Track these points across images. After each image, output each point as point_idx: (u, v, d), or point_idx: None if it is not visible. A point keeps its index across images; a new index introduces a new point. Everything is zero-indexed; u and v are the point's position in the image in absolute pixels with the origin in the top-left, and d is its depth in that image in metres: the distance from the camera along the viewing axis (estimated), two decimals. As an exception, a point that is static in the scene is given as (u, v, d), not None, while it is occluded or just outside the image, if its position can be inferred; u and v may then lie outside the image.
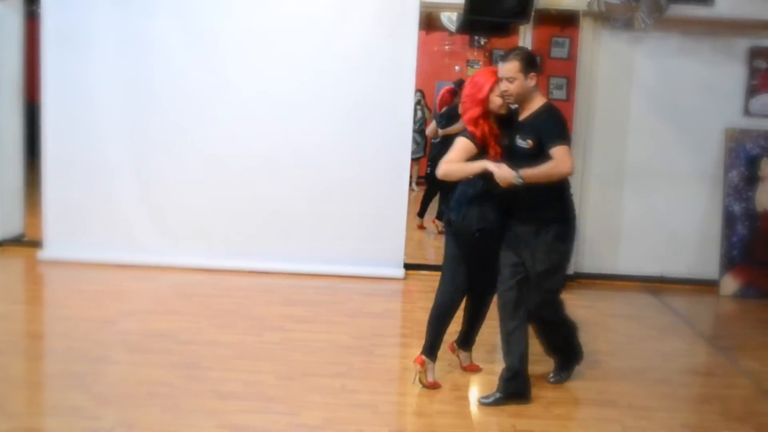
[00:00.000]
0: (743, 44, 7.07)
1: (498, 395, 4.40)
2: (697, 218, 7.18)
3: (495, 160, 4.22)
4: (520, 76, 4.18)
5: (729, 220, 7.08)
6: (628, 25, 6.74)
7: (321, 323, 5.66)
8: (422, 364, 4.51)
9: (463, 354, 4.86)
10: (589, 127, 7.03)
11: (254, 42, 6.83)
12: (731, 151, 7.08)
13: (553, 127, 4.21)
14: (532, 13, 6.64)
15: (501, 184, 4.12)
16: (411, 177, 12.29)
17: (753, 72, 7.09)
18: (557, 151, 4.10)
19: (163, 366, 4.68)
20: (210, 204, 6.90)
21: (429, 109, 12.64)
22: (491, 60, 13.62)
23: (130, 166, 6.94)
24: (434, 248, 8.79)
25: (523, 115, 4.29)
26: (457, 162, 4.29)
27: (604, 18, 6.84)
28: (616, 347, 5.47)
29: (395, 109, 6.83)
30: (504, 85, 4.21)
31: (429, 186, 9.51)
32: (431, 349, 4.55)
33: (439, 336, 4.57)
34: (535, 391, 4.56)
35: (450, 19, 9.37)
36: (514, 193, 4.18)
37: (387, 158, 6.84)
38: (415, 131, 12.15)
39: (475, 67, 13.70)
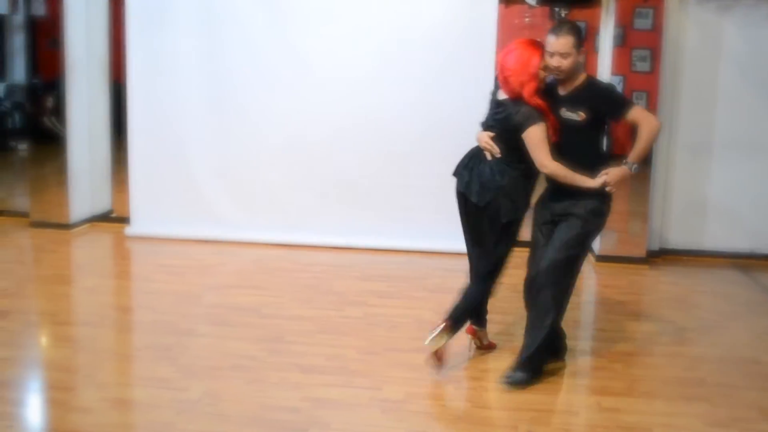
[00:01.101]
0: (837, 9, 6.75)
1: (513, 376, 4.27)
2: (789, 191, 6.93)
3: (554, 133, 4.14)
4: (574, 51, 4.06)
5: (822, 193, 6.81)
6: (716, -7, 6.52)
7: (402, 298, 5.67)
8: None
9: (481, 332, 4.68)
10: (676, 99, 6.83)
11: (331, 15, 6.83)
12: (825, 122, 6.80)
13: (614, 93, 4.28)
14: (615, -17, 6.48)
15: (617, 185, 4.14)
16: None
17: None
18: (636, 113, 4.12)
19: (246, 339, 4.76)
20: (289, 179, 6.96)
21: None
22: (572, 32, 13.37)
23: (211, 142, 7.05)
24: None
25: (567, 89, 4.18)
26: (559, 165, 4.12)
27: (691, -14, 6.63)
28: (703, 324, 5.32)
29: (475, 83, 6.73)
30: (557, 61, 4.07)
31: None
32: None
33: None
34: (618, 368, 4.50)
35: (530, -9, 9.19)
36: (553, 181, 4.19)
37: (467, 134, 6.74)
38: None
39: (556, 40, 13.44)
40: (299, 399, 4.00)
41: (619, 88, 6.74)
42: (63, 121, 7.32)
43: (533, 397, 4.12)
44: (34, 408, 4.06)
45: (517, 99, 4.16)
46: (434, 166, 6.79)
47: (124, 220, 7.37)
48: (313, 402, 3.98)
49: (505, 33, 7.08)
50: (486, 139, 4.29)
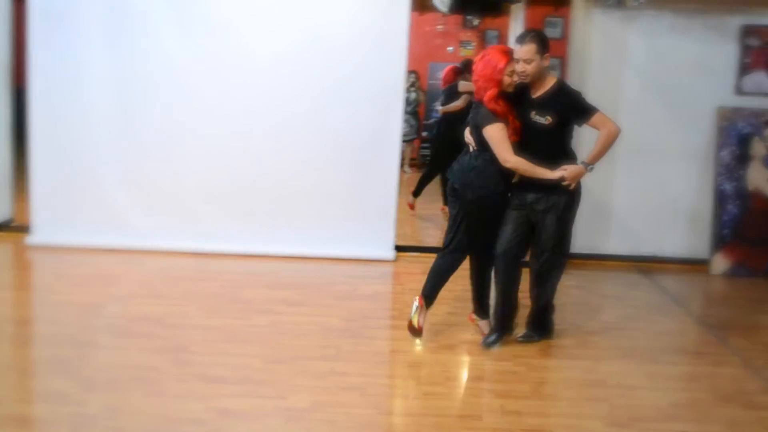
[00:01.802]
0: (735, 22, 7.00)
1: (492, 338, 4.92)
2: (689, 197, 7.15)
3: (515, 134, 4.54)
4: (537, 57, 4.44)
5: (720, 199, 7.05)
6: (620, 3, 6.69)
7: (310, 306, 5.63)
8: (421, 302, 4.84)
9: (481, 322, 5.02)
10: (581, 107, 6.97)
11: (244, 19, 6.73)
12: (723, 129, 7.04)
13: (578, 101, 4.59)
14: (523, -7, 6.60)
15: (574, 182, 4.58)
16: (404, 159, 12.34)
17: (745, 50, 7.03)
18: (597, 119, 4.57)
19: (149, 350, 4.65)
20: (197, 187, 6.84)
21: (423, 90, 12.57)
22: (484, 40, 13.57)
23: (117, 149, 6.87)
24: (426, 229, 8.76)
25: (537, 93, 4.57)
26: (520, 159, 4.49)
27: (596, -3, 6.80)
28: (606, 327, 5.44)
29: (385, 89, 6.77)
30: (521, 66, 4.45)
31: (430, 168, 9.42)
32: (428, 297, 4.88)
33: (435, 288, 4.89)
34: (524, 372, 4.56)
35: (442, 0, 9.28)
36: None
37: (377, 139, 6.78)
38: (408, 113, 12.18)
39: (468, 47, 13.61)
40: (203, 410, 3.93)
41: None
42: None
43: (437, 402, 4.14)
44: None
45: (480, 101, 4.58)
46: (344, 173, 6.83)
47: (24, 228, 7.12)
48: (218, 413, 3.91)
49: (418, 40, 7.13)
50: (466, 134, 4.75)
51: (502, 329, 4.92)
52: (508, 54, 4.51)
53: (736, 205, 7.04)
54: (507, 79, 4.49)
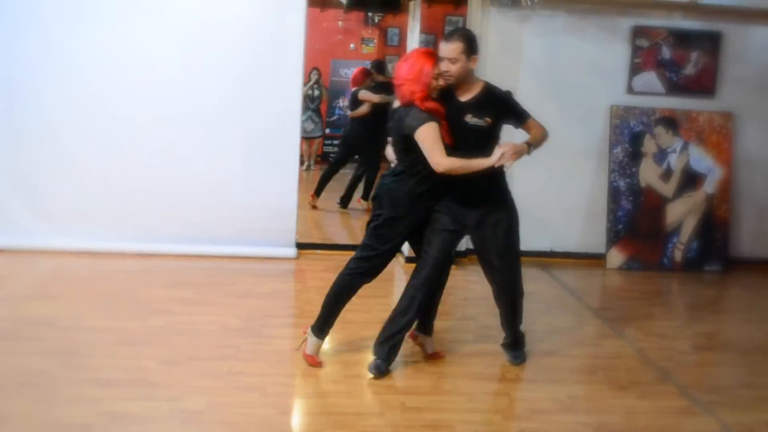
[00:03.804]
0: (627, 23, 7.20)
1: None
2: (585, 193, 7.32)
3: (447, 136, 4.24)
4: (463, 57, 4.21)
5: (614, 195, 7.24)
6: (514, 2, 6.78)
7: (208, 305, 5.50)
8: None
9: (426, 340, 4.77)
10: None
11: (137, 12, 6.52)
12: (616, 127, 7.24)
13: (515, 105, 4.47)
14: (421, -10, 6.62)
15: (514, 160, 4.25)
16: (308, 156, 12.25)
17: (636, 50, 7.24)
18: (532, 123, 4.49)
19: (37, 354, 4.45)
20: (89, 183, 6.57)
21: (325, 88, 12.51)
22: (386, 38, 13.60)
23: (2, 145, 6.56)
24: (329, 227, 8.71)
25: (467, 96, 4.32)
26: (446, 155, 4.18)
27: (492, -5, 6.87)
28: (505, 322, 5.50)
29: (283, 86, 6.67)
30: (445, 65, 4.20)
31: (332, 166, 9.40)
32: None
33: (332, 315, 4.58)
34: (423, 366, 4.58)
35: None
36: (468, 181, 4.27)
37: (275, 136, 6.69)
38: (312, 110, 12.11)
39: (370, 45, 13.63)
40: (94, 414, 3.79)
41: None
42: None
43: (338, 400, 4.11)
44: None
45: (408, 105, 4.25)
46: (244, 169, 6.71)
47: None
48: (109, 417, 3.77)
49: (317, 36, 7.06)
50: (387, 150, 4.55)
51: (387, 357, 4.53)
52: (434, 56, 4.24)
53: (629, 201, 7.24)
54: (434, 83, 4.22)
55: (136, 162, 6.61)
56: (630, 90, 7.28)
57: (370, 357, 4.59)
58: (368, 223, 4.51)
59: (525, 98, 6.94)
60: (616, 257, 7.24)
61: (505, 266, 4.59)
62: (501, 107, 4.38)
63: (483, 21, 6.98)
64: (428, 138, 4.17)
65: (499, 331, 5.07)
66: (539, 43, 7.12)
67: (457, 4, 6.94)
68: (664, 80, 7.32)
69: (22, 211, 6.58)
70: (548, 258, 7.23)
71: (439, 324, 5.07)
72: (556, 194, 7.25)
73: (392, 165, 4.53)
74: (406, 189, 4.33)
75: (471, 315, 5.61)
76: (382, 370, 4.41)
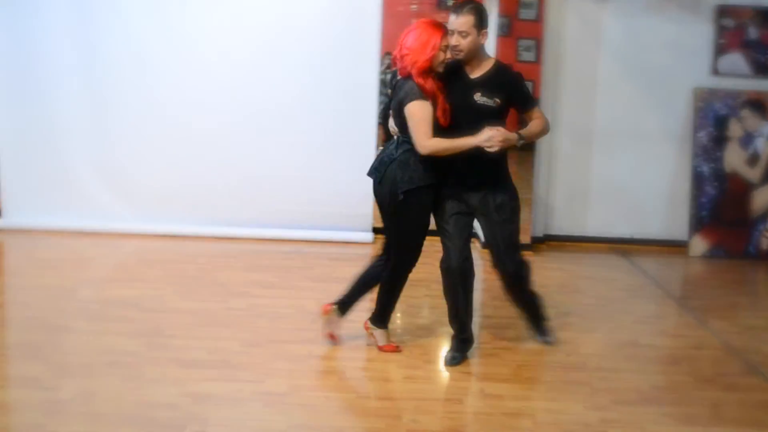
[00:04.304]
0: (710, 2, 6.99)
1: (459, 356, 4.41)
2: (666, 179, 7.15)
3: (443, 116, 4.06)
4: (474, 31, 4.01)
5: (697, 180, 7.05)
6: (595, -17, 6.66)
7: (287, 289, 5.56)
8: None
9: (378, 332, 4.52)
10: (558, 89, 6.95)
11: (206, 3, 6.63)
12: (699, 110, 7.04)
13: (525, 89, 4.27)
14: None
15: (500, 146, 3.97)
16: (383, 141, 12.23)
17: (720, 30, 7.02)
18: (537, 113, 4.21)
19: (124, 334, 4.56)
20: (171, 169, 6.74)
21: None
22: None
23: (87, 130, 6.76)
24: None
25: (476, 74, 4.14)
26: (435, 137, 4.00)
27: (571, -23, 6.76)
28: (585, 309, 5.42)
29: (359, 71, 6.70)
30: (456, 39, 4.00)
31: None
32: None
33: (352, 297, 4.52)
34: (504, 355, 4.53)
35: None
36: (468, 162, 4.10)
37: (352, 121, 6.72)
38: (385, 95, 12.06)
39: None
40: (178, 395, 3.86)
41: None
42: None
43: (418, 386, 4.10)
44: None
45: (407, 76, 4.07)
46: (319, 155, 6.75)
47: (-6, 212, 6.99)
48: (193, 397, 3.84)
49: (391, 21, 7.05)
50: (390, 123, 4.29)
51: (466, 346, 4.48)
52: (443, 27, 4.03)
53: (713, 187, 7.04)
54: (441, 55, 4.01)
55: (216, 148, 6.72)
56: (714, 72, 7.07)
57: (447, 342, 4.58)
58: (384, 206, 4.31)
59: (605, 83, 6.96)
60: (699, 245, 7.06)
61: (510, 251, 4.36)
62: (511, 88, 4.16)
63: (562, 3, 6.87)
64: (415, 114, 4.00)
65: (581, 318, 5.02)
66: (619, 25, 6.97)
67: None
68: (750, 61, 7.09)
69: (106, 195, 6.77)
70: (629, 245, 7.09)
71: (515, 310, 5.03)
72: (637, 179, 7.11)
73: (394, 137, 4.29)
74: (416, 159, 4.09)
75: (551, 302, 5.52)
76: (458, 360, 4.38)
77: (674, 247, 7.10)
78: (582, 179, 7.07)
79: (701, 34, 7.02)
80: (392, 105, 4.24)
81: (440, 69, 4.09)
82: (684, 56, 7.03)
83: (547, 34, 6.84)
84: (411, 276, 4.44)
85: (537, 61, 6.87)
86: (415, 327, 4.84)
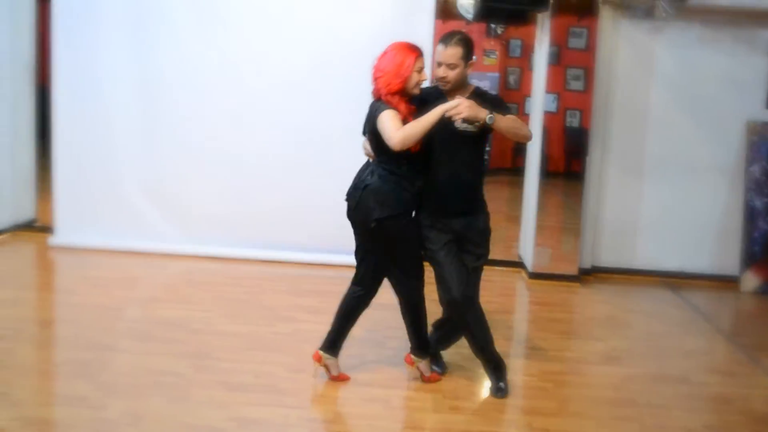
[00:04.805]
0: (765, 36, 6.89)
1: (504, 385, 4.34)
2: (718, 212, 7.03)
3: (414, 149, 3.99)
4: (462, 63, 4.03)
5: (750, 215, 6.92)
6: (648, 14, 6.60)
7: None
8: (319, 359, 4.38)
9: (422, 363, 4.41)
10: (608, 118, 6.90)
11: (264, 24, 6.71)
12: (753, 144, 6.93)
13: (505, 106, 4.20)
14: (551, 1, 6.52)
15: (467, 118, 3.87)
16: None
17: (775, 64, 6.93)
18: (515, 118, 4.11)
19: (171, 355, 4.59)
20: (220, 192, 6.79)
21: (445, 99, 12.51)
22: (507, 49, 13.49)
23: (140, 152, 6.85)
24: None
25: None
26: (404, 126, 3.91)
27: (624, 7, 6.71)
28: (634, 344, 5.35)
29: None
30: (443, 71, 4.03)
31: None
32: (330, 347, 4.40)
33: (340, 333, 4.44)
34: (551, 388, 4.47)
35: (465, 7, 9.22)
36: (448, 187, 4.11)
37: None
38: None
39: (492, 56, 13.53)
40: (225, 419, 3.87)
41: (553, 105, 6.80)
42: (-16, 124, 7.06)
43: (464, 417, 4.06)
44: (-59, 428, 3.85)
45: (378, 99, 4.08)
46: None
47: (47, 229, 7.11)
48: (239, 422, 3.85)
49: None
50: (364, 144, 4.29)
51: (502, 372, 4.38)
52: (417, 50, 4.03)
53: (766, 222, 6.91)
54: (415, 77, 3.99)
55: (264, 172, 6.76)
56: (769, 105, 6.97)
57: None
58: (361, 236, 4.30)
59: (657, 113, 6.89)
60: (751, 280, 6.92)
61: (476, 275, 4.29)
62: (492, 105, 4.05)
63: (614, 33, 6.83)
64: (385, 118, 3.93)
65: (630, 353, 4.95)
66: (672, 56, 6.90)
67: (582, 16, 6.80)
68: (806, 95, 6.98)
69: (155, 216, 6.85)
70: (677, 279, 6.96)
71: (562, 343, 4.98)
72: (687, 212, 6.99)
73: (369, 159, 4.27)
74: (392, 185, 4.07)
75: (598, 336, 5.47)
76: (503, 391, 4.31)
77: (725, 282, 6.96)
78: (631, 210, 6.98)
79: (756, 67, 6.92)
80: (366, 128, 4.23)
81: (416, 91, 4.07)
82: (738, 89, 6.93)
83: (598, 63, 6.80)
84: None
85: (585, 90, 6.84)
86: (460, 357, 4.79)
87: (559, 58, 6.83)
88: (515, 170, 11.01)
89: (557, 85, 6.83)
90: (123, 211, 6.84)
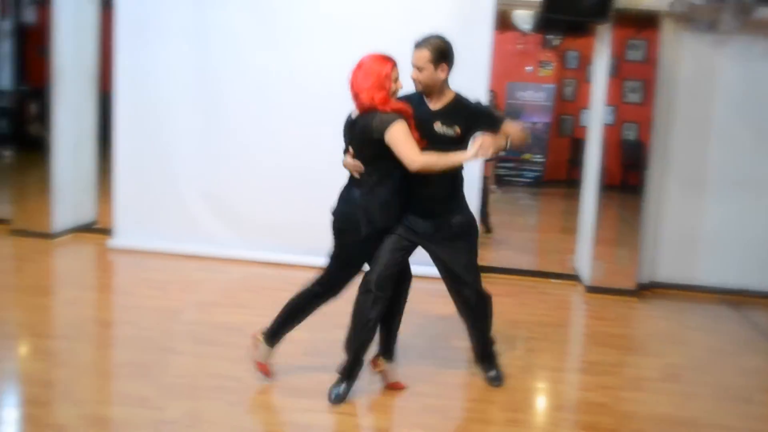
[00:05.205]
0: (832, 49, 6.75)
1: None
2: (781, 229, 6.88)
3: (417, 136, 4.02)
4: (430, 66, 4.08)
5: (814, 232, 6.77)
6: (712, 27, 6.49)
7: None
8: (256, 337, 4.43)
9: (389, 366, 4.45)
10: (669, 131, 6.79)
11: (324, 35, 6.73)
12: (818, 160, 6.78)
13: (487, 110, 4.35)
14: (611, 13, 6.47)
15: (493, 152, 3.98)
16: (488, 178, 12.20)
17: (843, 79, 6.77)
18: (510, 125, 4.22)
19: (229, 359, 4.63)
20: (278, 198, 6.83)
21: (500, 110, 12.46)
22: (564, 60, 13.41)
23: (198, 157, 6.93)
24: (504, 250, 8.61)
25: (437, 105, 4.17)
26: (427, 155, 3.96)
27: (687, 19, 6.61)
28: (694, 362, 5.24)
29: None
30: (414, 73, 4.11)
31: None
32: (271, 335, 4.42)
33: (282, 327, 4.45)
34: (610, 404, 4.40)
35: (522, 18, 9.20)
36: (423, 187, 4.13)
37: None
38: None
39: (548, 67, 13.47)
40: (282, 423, 3.93)
41: (611, 118, 6.73)
42: (48, 128, 7.21)
43: (519, 430, 4.02)
44: (8, 423, 3.92)
45: (370, 111, 4.05)
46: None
47: (107, 231, 7.24)
48: (296, 427, 3.88)
49: (497, 59, 7.02)
50: (349, 159, 4.23)
51: (351, 378, 4.31)
52: (391, 59, 4.10)
53: (831, 240, 6.75)
54: (393, 86, 4.05)
55: (322, 180, 6.76)
56: (836, 121, 6.80)
57: (550, 386, 4.48)
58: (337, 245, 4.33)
59: (719, 128, 6.77)
60: (815, 300, 6.76)
61: (471, 278, 4.34)
62: (471, 117, 4.17)
63: (676, 45, 6.73)
64: (399, 136, 3.94)
65: (690, 371, 4.86)
66: (736, 69, 6.77)
67: (641, 28, 6.72)
68: None
69: (212, 220, 6.93)
70: (738, 296, 6.82)
71: (620, 358, 4.90)
72: (749, 228, 6.84)
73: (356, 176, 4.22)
74: (381, 200, 4.11)
75: (656, 352, 5.38)
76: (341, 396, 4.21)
77: (788, 300, 6.80)
78: (691, 226, 6.85)
79: (822, 81, 6.78)
80: (353, 142, 4.20)
81: (394, 98, 4.11)
82: (803, 103, 6.79)
83: (659, 76, 6.71)
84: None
85: (643, 102, 6.76)
86: (516, 369, 4.76)
87: (617, 70, 6.76)
88: (570, 182, 10.94)
89: (615, 98, 6.76)
90: (181, 215, 6.93)
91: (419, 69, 4.10)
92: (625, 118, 6.83)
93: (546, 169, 13.26)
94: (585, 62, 12.59)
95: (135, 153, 7.03)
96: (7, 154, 9.03)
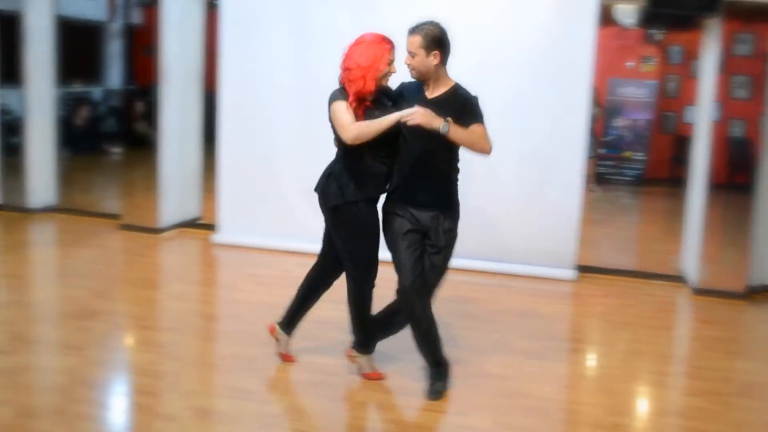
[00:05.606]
0: None
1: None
2: None
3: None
4: (421, 52, 4.03)
5: None
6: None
7: (487, 321, 5.51)
8: (273, 331, 4.58)
9: (362, 359, 4.42)
10: (780, 129, 6.53)
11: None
12: None
13: (477, 108, 4.14)
14: (721, 6, 6.26)
15: (423, 125, 3.85)
16: (589, 176, 11.99)
17: None
18: (480, 128, 4.06)
19: (333, 355, 4.67)
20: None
21: (601, 107, 12.21)
22: (666, 56, 13.04)
23: (299, 155, 7.00)
24: (609, 250, 8.42)
25: (434, 94, 4.11)
26: (360, 123, 3.96)
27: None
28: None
29: (569, 106, 6.57)
30: (407, 59, 4.07)
31: None
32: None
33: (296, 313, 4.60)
34: (720, 411, 4.27)
35: (624, 12, 8.98)
36: (417, 177, 4.08)
37: (560, 156, 6.59)
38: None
39: (650, 63, 13.12)
40: (384, 421, 3.94)
41: (717, 115, 6.50)
42: (155, 127, 7.43)
43: (628, 434, 3.95)
44: (119, 412, 4.07)
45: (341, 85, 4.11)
46: (527, 190, 6.64)
47: (211, 227, 7.42)
48: (399, 425, 3.90)
49: (599, 55, 6.88)
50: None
51: (442, 376, 4.27)
52: (390, 41, 4.10)
53: None
54: (387, 68, 4.08)
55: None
56: None
57: (654, 390, 4.37)
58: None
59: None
60: None
61: (441, 267, 4.27)
62: (463, 107, 4.06)
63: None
64: (335, 110, 4.01)
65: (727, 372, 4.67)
66: None
67: (749, 21, 6.47)
68: None
69: (314, 219, 6.97)
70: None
71: (729, 363, 4.74)
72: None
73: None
74: (350, 170, 4.11)
75: (765, 357, 5.19)
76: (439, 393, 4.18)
77: None
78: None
79: None
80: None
81: (384, 83, 4.12)
82: None
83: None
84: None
85: (752, 98, 6.51)
86: (620, 374, 4.66)
87: (724, 65, 6.54)
88: (672, 180, 10.64)
89: (721, 94, 6.53)
90: (284, 211, 7.03)
91: (412, 54, 4.08)
92: (731, 114, 6.59)
93: (647, 167, 12.92)
94: (689, 57, 12.22)
95: (238, 150, 7.17)
96: (116, 151, 9.41)
